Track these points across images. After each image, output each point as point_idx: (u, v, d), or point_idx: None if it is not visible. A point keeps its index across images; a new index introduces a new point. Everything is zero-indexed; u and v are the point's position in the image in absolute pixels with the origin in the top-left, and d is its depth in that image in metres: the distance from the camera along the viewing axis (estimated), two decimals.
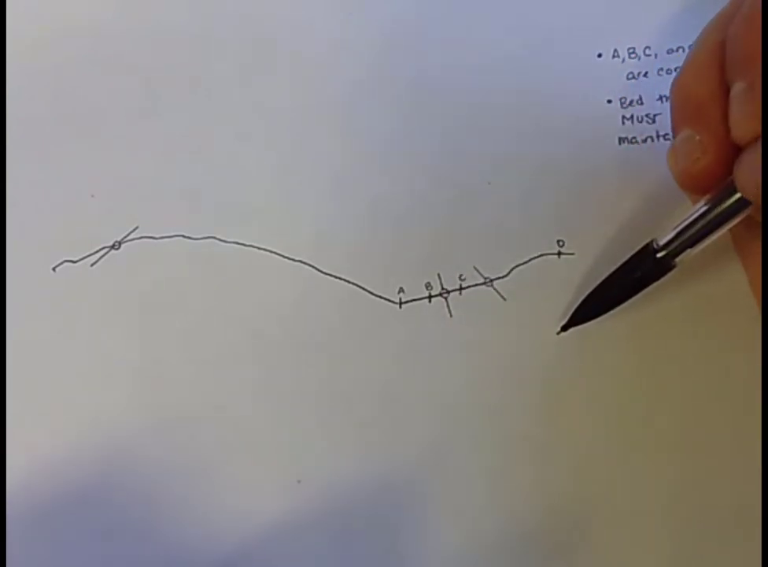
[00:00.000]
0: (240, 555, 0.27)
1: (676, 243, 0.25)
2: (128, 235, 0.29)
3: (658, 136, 0.29)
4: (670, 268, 0.26)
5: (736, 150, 0.23)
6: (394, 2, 0.30)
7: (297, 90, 0.29)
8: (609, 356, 0.28)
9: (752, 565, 0.26)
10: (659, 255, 0.26)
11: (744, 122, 0.22)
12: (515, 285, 0.28)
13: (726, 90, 0.23)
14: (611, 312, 0.27)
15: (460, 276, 0.28)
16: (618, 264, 0.27)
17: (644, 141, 0.29)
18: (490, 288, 0.28)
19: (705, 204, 0.25)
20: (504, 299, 0.28)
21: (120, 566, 0.27)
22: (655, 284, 0.26)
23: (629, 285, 0.27)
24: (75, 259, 0.29)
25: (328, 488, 0.27)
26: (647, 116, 0.29)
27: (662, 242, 0.26)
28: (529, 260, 0.28)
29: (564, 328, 0.27)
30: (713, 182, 0.24)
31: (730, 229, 0.25)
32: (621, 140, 0.29)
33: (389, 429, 0.28)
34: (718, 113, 0.24)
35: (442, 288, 0.28)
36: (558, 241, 0.28)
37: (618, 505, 0.27)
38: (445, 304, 0.28)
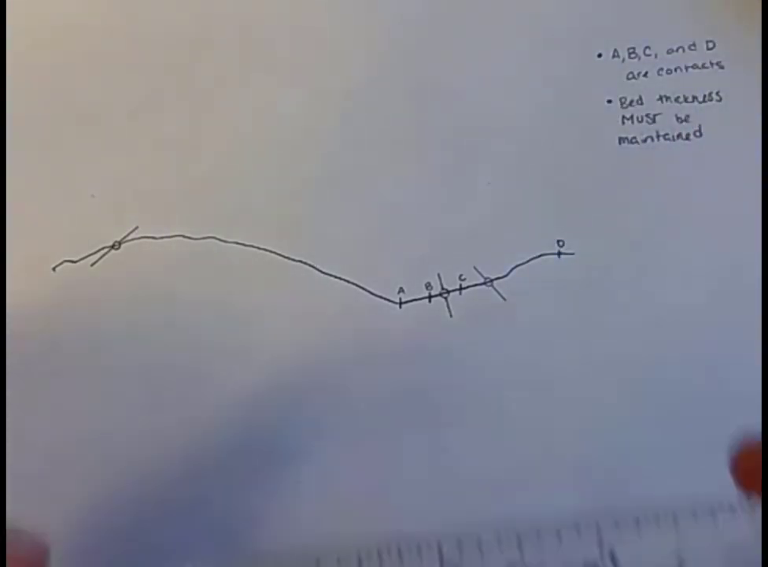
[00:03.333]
0: (240, 554, 0.27)
1: None
2: (128, 235, 0.29)
3: (658, 136, 0.29)
4: None
5: None
6: (395, 3, 0.30)
7: (297, 89, 0.29)
8: (609, 355, 0.28)
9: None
10: None
11: None
12: (515, 285, 0.28)
13: None
14: None
15: (460, 276, 0.28)
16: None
17: (644, 141, 0.29)
18: (490, 288, 0.28)
19: None
20: (504, 299, 0.28)
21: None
22: None
23: None
24: (75, 259, 0.29)
25: (328, 488, 0.28)
26: (647, 116, 0.29)
27: None
28: (529, 260, 0.28)
29: None
30: None
31: None
32: (621, 140, 0.29)
33: (389, 429, 0.28)
34: None
35: (442, 288, 0.28)
36: (558, 241, 0.28)
37: (621, 504, 0.27)
38: (445, 304, 0.28)
